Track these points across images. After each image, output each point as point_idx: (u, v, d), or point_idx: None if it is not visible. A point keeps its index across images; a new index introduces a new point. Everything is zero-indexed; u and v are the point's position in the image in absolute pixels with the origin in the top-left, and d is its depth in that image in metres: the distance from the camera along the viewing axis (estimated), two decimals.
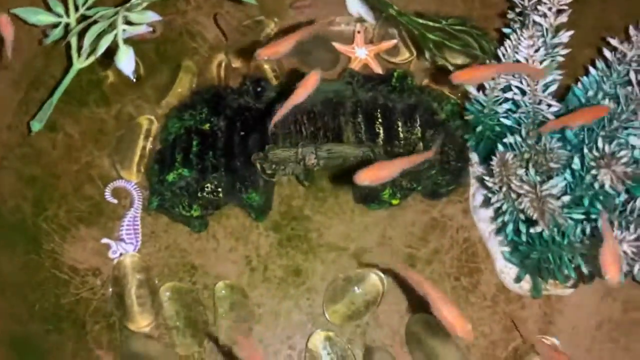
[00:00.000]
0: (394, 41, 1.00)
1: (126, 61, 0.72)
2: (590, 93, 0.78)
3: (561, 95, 0.85)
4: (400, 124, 0.90)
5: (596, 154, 0.65)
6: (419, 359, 0.85)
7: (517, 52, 0.68)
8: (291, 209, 0.93)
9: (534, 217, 0.61)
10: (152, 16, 0.76)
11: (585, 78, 0.81)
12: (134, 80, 0.88)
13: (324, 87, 0.91)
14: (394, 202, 0.91)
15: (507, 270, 0.88)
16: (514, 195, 0.65)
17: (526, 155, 0.68)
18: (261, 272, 0.90)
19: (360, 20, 1.03)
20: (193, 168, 0.86)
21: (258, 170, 0.83)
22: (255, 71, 0.99)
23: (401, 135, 0.90)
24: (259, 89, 0.90)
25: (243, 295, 0.87)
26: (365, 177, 0.67)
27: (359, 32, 1.02)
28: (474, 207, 0.92)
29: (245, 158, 0.86)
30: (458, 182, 0.92)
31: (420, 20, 0.76)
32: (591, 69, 0.80)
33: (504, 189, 0.66)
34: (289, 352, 0.86)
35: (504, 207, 0.70)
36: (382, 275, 0.89)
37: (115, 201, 0.91)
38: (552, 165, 0.65)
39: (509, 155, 0.64)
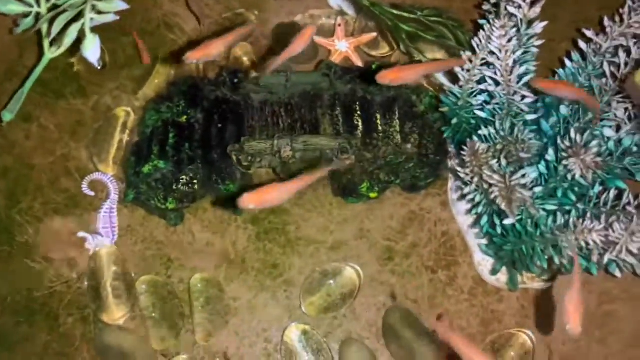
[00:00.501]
0: (374, 34, 1.00)
1: (92, 50, 0.71)
2: None
3: None
4: (378, 116, 0.90)
5: (567, 143, 0.64)
6: (395, 351, 0.85)
7: (490, 43, 0.68)
8: None
9: (502, 207, 0.61)
10: (120, 5, 0.75)
11: (561, 70, 0.81)
12: (99, 68, 0.87)
13: (301, 78, 0.91)
14: (372, 195, 0.90)
15: (484, 263, 0.88)
16: (486, 186, 0.64)
17: (499, 146, 0.68)
18: (238, 265, 0.90)
19: (341, 13, 1.03)
20: (169, 160, 0.86)
21: (234, 162, 0.83)
22: (234, 63, 0.99)
23: (380, 127, 0.90)
24: (235, 81, 0.89)
25: (219, 289, 0.87)
26: (250, 201, 0.65)
27: (339, 25, 1.02)
28: (452, 200, 0.92)
29: (223, 150, 0.85)
30: (437, 175, 0.92)
31: (395, 11, 0.75)
32: (567, 61, 0.80)
33: (476, 179, 0.66)
34: (265, 345, 0.86)
35: (477, 199, 0.69)
36: (358, 268, 0.88)
37: (92, 194, 0.91)
38: (522, 155, 0.65)
39: (479, 146, 0.64)
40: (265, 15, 1.03)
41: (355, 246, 0.91)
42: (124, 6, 0.76)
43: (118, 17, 0.77)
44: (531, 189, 0.67)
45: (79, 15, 0.72)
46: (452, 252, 0.91)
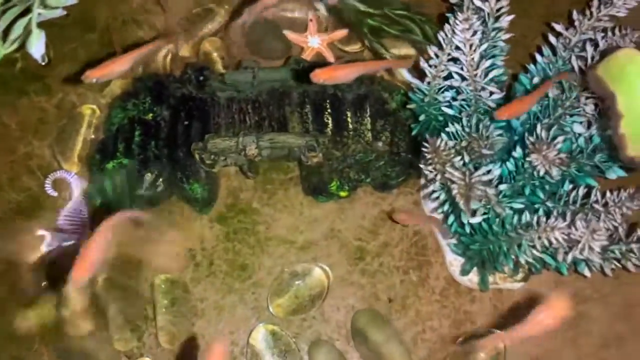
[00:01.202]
0: (347, 30, 0.98)
1: (37, 46, 0.69)
2: (536, 80, 0.76)
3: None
4: (349, 114, 0.88)
5: (532, 139, 0.63)
6: (364, 353, 0.83)
7: (454, 37, 0.66)
8: (238, 201, 0.91)
9: (460, 205, 0.59)
10: (69, 0, 0.73)
11: (532, 66, 0.79)
12: (43, 64, 0.85)
13: (269, 75, 0.89)
14: (342, 194, 0.89)
15: (456, 263, 0.86)
16: (449, 184, 0.63)
17: (464, 143, 0.66)
18: (206, 266, 0.88)
19: (314, 8, 1.01)
20: (134, 158, 0.84)
21: (197, 160, 0.81)
22: (204, 59, 0.97)
23: (350, 125, 0.88)
24: (201, 78, 0.87)
25: (184, 290, 0.85)
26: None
27: (311, 20, 1.00)
28: (424, 199, 0.90)
29: (188, 148, 0.83)
30: (409, 174, 0.90)
31: (361, 6, 0.73)
32: (537, 56, 0.78)
33: (439, 177, 0.64)
34: (231, 347, 0.84)
35: (442, 197, 0.68)
36: (327, 269, 0.87)
37: (56, 193, 0.88)
38: (484, 152, 0.63)
39: (441, 142, 0.62)
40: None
41: (325, 246, 0.89)
42: (73, 1, 0.74)
43: (65, 12, 0.75)
44: (496, 186, 0.65)
45: (27, 10, 0.70)
46: (424, 251, 0.89)
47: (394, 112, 0.90)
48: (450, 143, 0.69)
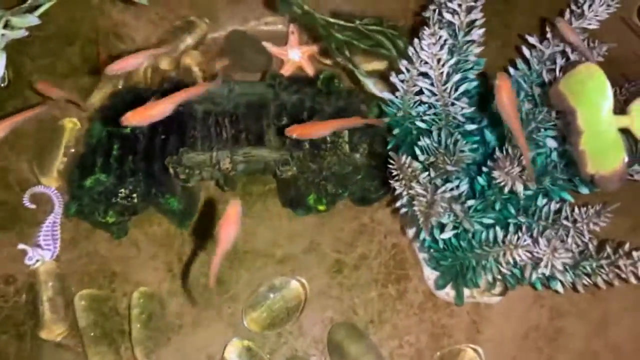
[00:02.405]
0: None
1: None
2: None
3: None
4: None
5: (497, 154, 0.62)
6: None
7: (421, 51, 0.66)
8: (217, 214, 0.91)
9: (420, 222, 0.59)
10: (33, 20, 0.74)
11: None
12: (3, 85, 0.85)
13: (246, 89, 0.89)
14: (320, 208, 0.88)
15: (433, 277, 0.85)
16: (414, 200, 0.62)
17: (432, 159, 0.66)
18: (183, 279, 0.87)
19: (294, 20, 1.01)
20: (111, 173, 0.84)
21: (172, 174, 0.81)
22: (184, 72, 0.97)
23: (328, 137, 0.87)
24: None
25: (161, 304, 0.85)
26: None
27: (292, 32, 1.00)
28: (402, 212, 0.89)
29: (164, 162, 0.83)
30: (388, 187, 0.90)
31: (331, 20, 0.73)
32: (511, 70, 0.77)
33: (405, 192, 0.63)
34: None
35: (410, 212, 0.67)
36: (304, 281, 0.86)
37: (34, 207, 0.89)
38: (449, 168, 0.63)
39: (406, 159, 0.62)
40: (218, 22, 1.02)
41: (304, 259, 0.89)
42: (37, 21, 0.75)
43: (28, 33, 0.76)
44: (464, 202, 0.64)
45: None
46: (402, 265, 0.89)
47: (373, 125, 0.90)
48: (420, 159, 0.69)
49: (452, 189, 0.62)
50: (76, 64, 0.95)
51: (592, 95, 0.52)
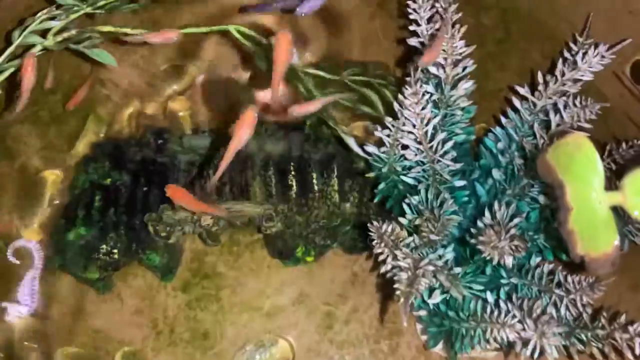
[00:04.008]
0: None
1: None
2: (501, 145, 0.72)
3: None
4: (315, 175, 0.85)
5: (487, 221, 0.59)
6: None
7: (404, 110, 0.63)
8: (203, 265, 0.88)
9: (400, 303, 0.55)
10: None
11: (498, 129, 0.75)
12: None
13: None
14: (309, 259, 0.85)
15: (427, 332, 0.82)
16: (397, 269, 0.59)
17: (418, 221, 0.63)
18: (167, 335, 0.85)
19: None
20: (93, 226, 0.82)
21: (151, 232, 0.78)
22: (171, 120, 0.95)
23: (316, 187, 0.85)
24: (160, 142, 0.85)
25: None
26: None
27: None
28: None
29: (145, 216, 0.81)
30: None
31: (313, 72, 0.70)
32: (502, 119, 0.74)
33: (390, 259, 0.60)
34: None
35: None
36: (292, 341, 0.83)
37: (17, 262, 0.86)
38: (432, 237, 0.59)
39: (387, 227, 0.59)
40: (205, 65, 0.99)
41: (292, 312, 0.86)
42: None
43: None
44: (450, 269, 0.61)
45: None
46: (395, 318, 0.85)
47: (363, 172, 0.87)
48: (407, 217, 0.66)
49: (438, 258, 0.59)
50: (59, 111, 0.93)
51: (581, 169, 0.49)
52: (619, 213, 0.51)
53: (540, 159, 0.51)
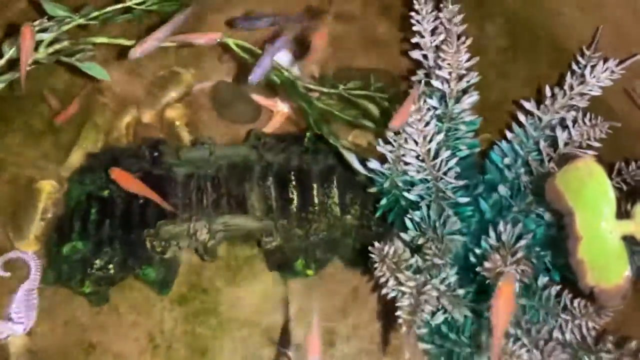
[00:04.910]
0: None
1: None
2: (507, 160, 0.70)
3: None
4: (315, 186, 0.83)
5: (492, 242, 0.57)
6: None
7: (406, 127, 0.60)
8: (201, 280, 0.86)
9: (403, 331, 0.54)
10: None
11: (503, 143, 0.73)
12: None
13: (227, 152, 0.85)
14: (309, 272, 0.83)
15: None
16: (399, 293, 0.57)
17: (421, 240, 0.61)
18: (164, 350, 0.83)
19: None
20: (89, 240, 0.80)
21: (148, 247, 0.77)
22: (168, 128, 0.93)
23: (316, 199, 0.83)
24: (155, 154, 0.83)
25: None
26: None
27: None
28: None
29: (141, 231, 0.79)
30: None
31: (313, 86, 0.68)
32: (508, 134, 0.72)
33: (391, 281, 0.58)
34: None
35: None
36: (291, 356, 0.81)
37: (7, 274, 0.84)
38: (436, 261, 0.57)
39: (389, 249, 0.57)
40: (202, 72, 0.97)
41: (292, 328, 0.84)
42: None
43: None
44: (454, 290, 0.59)
45: None
46: (396, 334, 0.83)
47: (364, 185, 0.85)
48: (410, 233, 0.64)
49: (441, 281, 0.57)
50: (50, 120, 0.91)
51: (591, 197, 0.47)
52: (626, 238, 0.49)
53: (549, 183, 0.49)
